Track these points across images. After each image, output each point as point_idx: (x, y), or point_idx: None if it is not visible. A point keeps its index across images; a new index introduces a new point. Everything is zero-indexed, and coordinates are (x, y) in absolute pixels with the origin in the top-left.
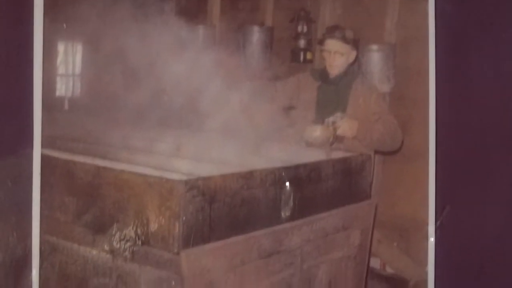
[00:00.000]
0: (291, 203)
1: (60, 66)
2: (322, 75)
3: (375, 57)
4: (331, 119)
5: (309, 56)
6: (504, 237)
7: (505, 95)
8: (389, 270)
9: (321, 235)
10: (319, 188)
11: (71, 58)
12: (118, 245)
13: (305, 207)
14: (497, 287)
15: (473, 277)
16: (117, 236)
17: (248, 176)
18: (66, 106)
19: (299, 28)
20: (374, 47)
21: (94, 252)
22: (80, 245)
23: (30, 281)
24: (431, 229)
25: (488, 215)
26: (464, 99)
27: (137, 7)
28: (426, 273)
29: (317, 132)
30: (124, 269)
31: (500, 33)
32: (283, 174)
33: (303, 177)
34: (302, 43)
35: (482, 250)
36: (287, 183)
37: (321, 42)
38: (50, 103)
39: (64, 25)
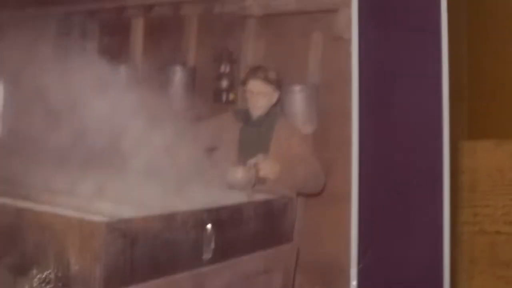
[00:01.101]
0: (212, 246)
1: None
2: (245, 117)
3: (297, 98)
4: (253, 160)
5: (232, 96)
6: (425, 277)
7: (426, 135)
8: None
9: (242, 278)
10: (241, 231)
11: None
12: None
13: (226, 250)
14: None
15: None
16: (37, 278)
17: (170, 218)
18: None
19: (222, 68)
20: (297, 87)
21: None
22: None
23: None
24: (353, 272)
25: (409, 256)
26: (387, 140)
27: (58, 46)
28: None
29: (239, 173)
30: None
31: (422, 71)
32: (204, 216)
33: (225, 219)
34: (224, 83)
35: None
36: (209, 225)
37: (244, 82)
38: None
39: None
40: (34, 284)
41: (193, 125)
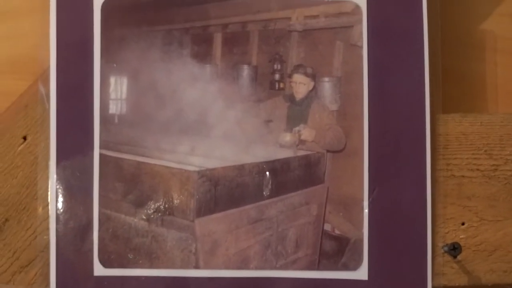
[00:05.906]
0: (270, 186)
1: (112, 93)
2: (291, 99)
3: (326, 86)
4: (297, 128)
5: (281, 85)
6: (415, 208)
7: (413, 110)
8: (337, 232)
9: (290, 208)
10: (289, 176)
11: (119, 87)
12: (152, 216)
13: (279, 189)
14: (412, 243)
15: (395, 236)
16: (151, 209)
17: (241, 168)
18: (116, 120)
19: (275, 66)
20: (326, 79)
21: (136, 220)
22: (126, 216)
23: (92, 240)
24: (365, 204)
25: (403, 193)
26: (386, 114)
27: (164, 52)
28: (362, 234)
29: (287, 137)
30: (156, 231)
31: (410, 67)
32: (264, 166)
33: (278, 168)
34: (277, 76)
35: (401, 217)
36: (267, 173)
37: (290, 76)
38: (105, 118)
39: (115, 65)
40: (149, 213)
41: (255, 105)
